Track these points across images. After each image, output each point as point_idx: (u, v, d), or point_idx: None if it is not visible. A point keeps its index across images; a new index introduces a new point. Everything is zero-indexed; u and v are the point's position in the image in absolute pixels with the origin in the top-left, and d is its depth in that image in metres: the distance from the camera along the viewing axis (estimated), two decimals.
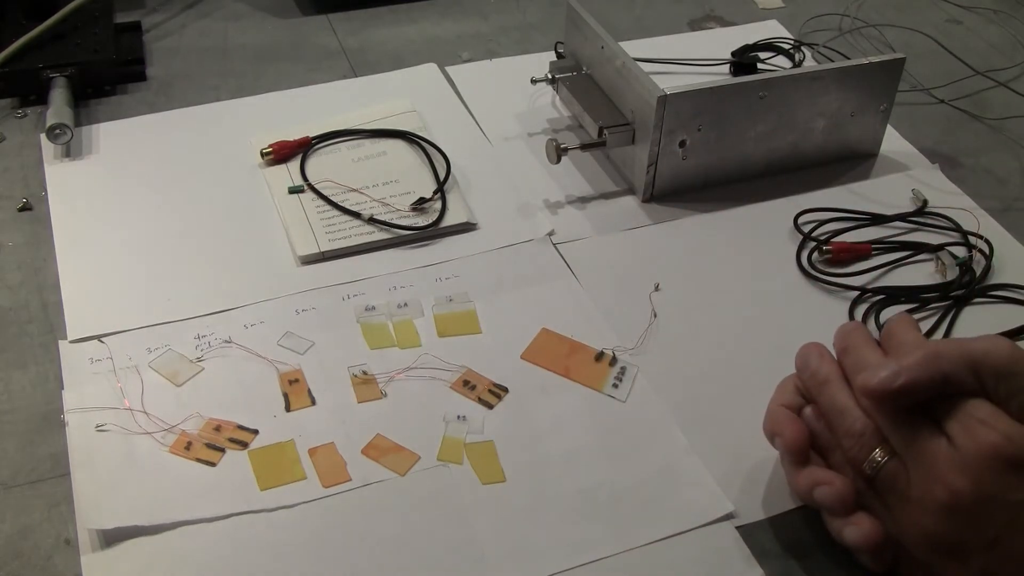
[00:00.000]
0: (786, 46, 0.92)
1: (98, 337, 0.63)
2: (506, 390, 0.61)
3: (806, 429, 0.52)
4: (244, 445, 0.57)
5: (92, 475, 0.55)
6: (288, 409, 0.59)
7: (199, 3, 0.98)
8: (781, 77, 0.74)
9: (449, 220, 0.72)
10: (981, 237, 0.71)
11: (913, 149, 0.81)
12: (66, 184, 0.75)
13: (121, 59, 0.85)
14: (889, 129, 0.80)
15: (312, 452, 0.57)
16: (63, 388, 0.60)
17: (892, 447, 0.49)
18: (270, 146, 0.76)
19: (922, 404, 0.48)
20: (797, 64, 0.90)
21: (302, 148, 0.77)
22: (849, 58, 0.88)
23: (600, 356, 0.63)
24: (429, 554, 0.52)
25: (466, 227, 0.72)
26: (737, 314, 0.66)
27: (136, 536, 0.52)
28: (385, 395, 0.60)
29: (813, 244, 0.71)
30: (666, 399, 0.61)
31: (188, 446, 0.57)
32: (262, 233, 0.71)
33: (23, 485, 0.55)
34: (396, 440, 0.57)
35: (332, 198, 0.73)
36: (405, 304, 0.66)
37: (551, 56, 0.86)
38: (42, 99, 0.81)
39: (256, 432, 0.58)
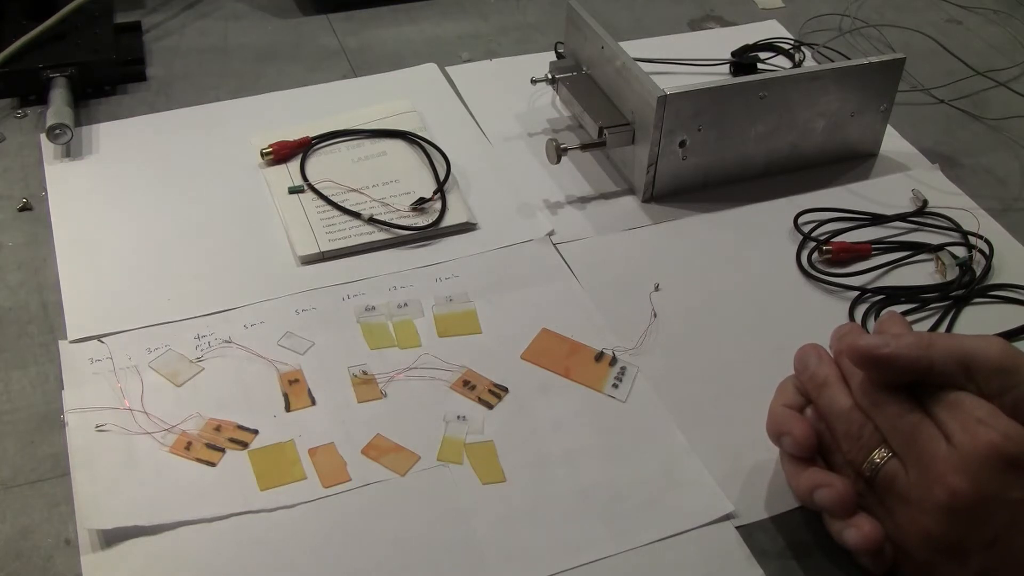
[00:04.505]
0: (786, 46, 0.92)
1: (98, 337, 0.63)
2: (506, 390, 0.61)
3: (813, 428, 0.52)
4: (244, 445, 0.57)
5: (92, 475, 0.55)
6: (288, 409, 0.59)
7: (199, 3, 0.98)
8: (781, 77, 0.74)
9: (449, 220, 0.72)
10: (981, 237, 0.71)
11: (913, 149, 0.81)
12: (66, 184, 0.75)
13: (121, 59, 0.85)
14: (889, 129, 0.80)
15: (312, 452, 0.57)
16: (63, 388, 0.60)
17: (891, 448, 0.49)
18: (270, 146, 0.76)
19: (907, 388, 0.48)
20: (797, 64, 0.90)
21: (302, 148, 0.77)
22: (849, 58, 0.88)
23: (600, 356, 0.63)
24: (429, 554, 0.52)
25: (466, 227, 0.72)
26: (737, 314, 0.66)
27: (136, 536, 0.52)
28: (385, 395, 0.60)
29: (813, 244, 0.71)
30: (666, 399, 0.61)
31: (188, 446, 0.57)
32: (262, 233, 0.71)
33: (23, 485, 0.55)
34: (396, 440, 0.57)
35: (332, 198, 0.73)
36: (405, 304, 0.66)
37: (551, 56, 0.86)
38: (42, 99, 0.81)
39: (256, 432, 0.58)
